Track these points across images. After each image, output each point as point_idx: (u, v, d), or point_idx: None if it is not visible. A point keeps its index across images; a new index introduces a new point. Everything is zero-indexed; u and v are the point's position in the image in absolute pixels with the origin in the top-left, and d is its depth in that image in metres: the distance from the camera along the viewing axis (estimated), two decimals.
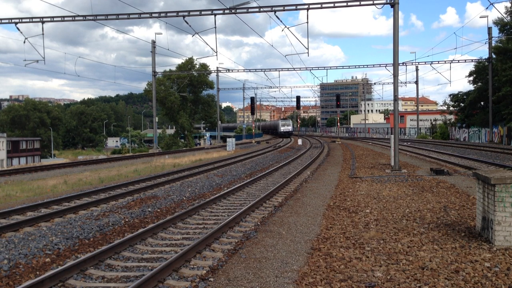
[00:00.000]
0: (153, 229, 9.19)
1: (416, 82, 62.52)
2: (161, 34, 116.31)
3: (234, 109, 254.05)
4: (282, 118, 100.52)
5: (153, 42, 43.87)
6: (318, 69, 61.88)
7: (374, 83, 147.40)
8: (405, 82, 62.21)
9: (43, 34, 25.81)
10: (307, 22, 22.98)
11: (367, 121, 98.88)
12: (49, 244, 8.29)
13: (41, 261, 7.44)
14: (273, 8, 22.82)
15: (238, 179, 18.32)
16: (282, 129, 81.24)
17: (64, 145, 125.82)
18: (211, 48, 37.31)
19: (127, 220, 10.51)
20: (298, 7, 23.06)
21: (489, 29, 44.90)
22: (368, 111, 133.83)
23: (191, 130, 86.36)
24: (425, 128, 70.90)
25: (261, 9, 22.94)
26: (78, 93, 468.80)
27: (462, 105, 53.06)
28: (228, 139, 44.38)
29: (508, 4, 42.59)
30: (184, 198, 13.66)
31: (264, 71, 49.82)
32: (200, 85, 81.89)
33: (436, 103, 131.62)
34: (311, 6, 22.11)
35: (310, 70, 47.95)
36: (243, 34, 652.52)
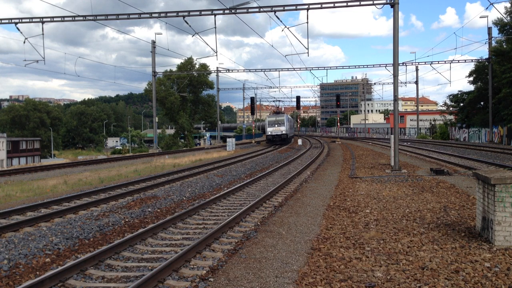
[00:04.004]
0: (153, 229, 9.19)
1: (416, 82, 62.56)
2: (161, 34, 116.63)
3: (234, 109, 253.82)
4: (275, 112, 60.15)
5: (153, 42, 43.90)
6: (318, 69, 62.13)
7: (374, 83, 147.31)
8: (405, 82, 62.30)
9: (43, 34, 25.84)
10: (307, 22, 23.02)
11: (367, 121, 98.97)
12: (49, 244, 8.29)
13: (41, 261, 7.44)
14: (273, 8, 22.83)
15: (238, 179, 18.32)
16: (269, 130, 49.54)
17: (64, 145, 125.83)
18: (211, 48, 37.34)
19: (127, 220, 10.51)
20: (298, 7, 23.09)
21: (489, 29, 45.01)
22: (368, 111, 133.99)
23: (191, 130, 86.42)
24: (425, 128, 70.96)
25: (261, 9, 22.95)
26: (78, 93, 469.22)
27: (462, 105, 53.08)
28: (228, 139, 44.41)
29: (508, 5, 42.63)
30: (184, 198, 13.66)
31: (264, 71, 49.85)
32: (200, 85, 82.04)
33: (436, 103, 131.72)
34: (311, 6, 22.12)
35: (310, 70, 48.06)
36: (244, 34, 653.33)
